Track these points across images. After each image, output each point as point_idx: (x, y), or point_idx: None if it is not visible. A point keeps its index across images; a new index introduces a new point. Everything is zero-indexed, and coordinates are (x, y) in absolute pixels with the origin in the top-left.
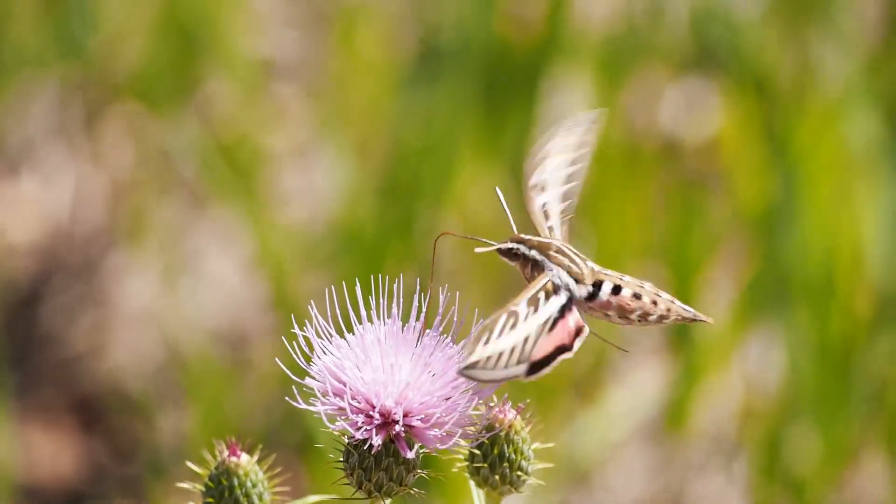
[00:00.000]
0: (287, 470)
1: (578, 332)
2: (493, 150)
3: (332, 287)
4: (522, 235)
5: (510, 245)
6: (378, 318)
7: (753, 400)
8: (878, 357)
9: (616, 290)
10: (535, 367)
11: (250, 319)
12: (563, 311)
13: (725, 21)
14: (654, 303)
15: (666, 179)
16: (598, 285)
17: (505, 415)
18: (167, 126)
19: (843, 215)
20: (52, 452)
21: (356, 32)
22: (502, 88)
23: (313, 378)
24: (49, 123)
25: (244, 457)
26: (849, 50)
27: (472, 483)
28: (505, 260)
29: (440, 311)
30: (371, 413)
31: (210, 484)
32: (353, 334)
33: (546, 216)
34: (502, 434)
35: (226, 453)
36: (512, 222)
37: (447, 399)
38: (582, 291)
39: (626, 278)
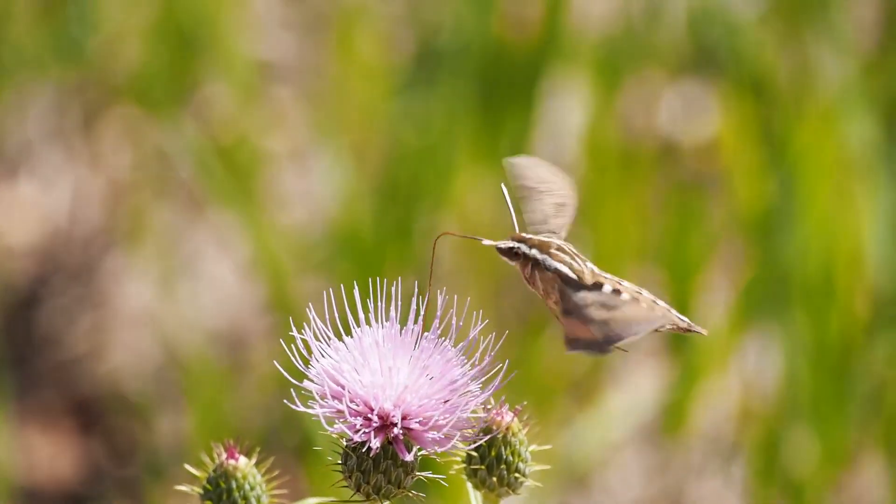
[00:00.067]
0: (285, 472)
1: None
2: (491, 153)
3: (330, 290)
4: (523, 234)
5: (511, 244)
6: (376, 320)
7: (751, 402)
8: (877, 359)
9: (615, 293)
10: None
11: (248, 321)
12: None
13: (723, 23)
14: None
15: (664, 181)
16: (598, 286)
17: (502, 417)
18: (165, 128)
19: (841, 217)
20: (50, 454)
21: (354, 35)
22: (500, 90)
23: (312, 381)
24: (47, 125)
25: (242, 459)
26: (846, 52)
27: (469, 485)
28: (505, 259)
29: (438, 314)
30: (369, 416)
31: (208, 486)
32: (352, 337)
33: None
34: (500, 436)
35: (224, 456)
36: (514, 221)
37: (445, 402)
38: None
39: (625, 283)
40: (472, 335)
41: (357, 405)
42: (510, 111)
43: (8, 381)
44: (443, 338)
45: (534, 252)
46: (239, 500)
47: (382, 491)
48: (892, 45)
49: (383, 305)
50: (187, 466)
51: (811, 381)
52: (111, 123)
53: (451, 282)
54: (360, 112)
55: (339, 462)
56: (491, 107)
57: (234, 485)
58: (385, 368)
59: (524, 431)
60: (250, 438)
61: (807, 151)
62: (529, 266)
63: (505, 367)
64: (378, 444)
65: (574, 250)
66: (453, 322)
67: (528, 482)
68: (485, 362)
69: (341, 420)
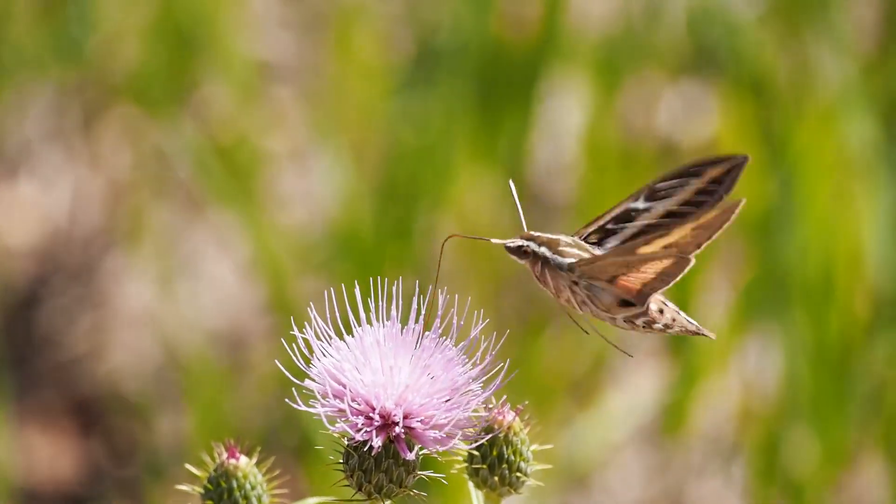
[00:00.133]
0: (286, 472)
1: None
2: (490, 152)
3: (331, 289)
4: (532, 233)
5: (519, 242)
6: (377, 320)
7: (752, 402)
8: (877, 359)
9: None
10: None
11: (248, 321)
12: None
13: (723, 23)
14: (661, 311)
15: None
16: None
17: (504, 416)
18: (165, 128)
19: (841, 217)
20: (50, 454)
21: (353, 34)
22: (499, 90)
23: (313, 380)
24: (47, 126)
25: (243, 459)
26: (846, 52)
27: (471, 484)
28: (514, 258)
29: (439, 313)
30: (371, 415)
31: (209, 486)
32: (353, 336)
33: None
34: (501, 436)
35: (224, 455)
36: (522, 219)
37: (447, 401)
38: None
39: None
40: (473, 335)
41: (358, 404)
42: (509, 111)
43: (8, 381)
44: (444, 337)
45: (542, 250)
46: (240, 500)
47: (384, 490)
48: (892, 45)
49: (384, 305)
50: (188, 466)
51: (811, 381)
52: (111, 123)
53: (452, 282)
54: (359, 112)
55: (341, 461)
56: (490, 106)
57: (234, 484)
58: (386, 367)
59: (526, 431)
60: (250, 438)
61: (807, 151)
62: (539, 264)
63: (506, 366)
64: (380, 443)
65: (587, 247)
66: (454, 321)
67: (530, 481)
68: (486, 362)
69: (343, 419)
